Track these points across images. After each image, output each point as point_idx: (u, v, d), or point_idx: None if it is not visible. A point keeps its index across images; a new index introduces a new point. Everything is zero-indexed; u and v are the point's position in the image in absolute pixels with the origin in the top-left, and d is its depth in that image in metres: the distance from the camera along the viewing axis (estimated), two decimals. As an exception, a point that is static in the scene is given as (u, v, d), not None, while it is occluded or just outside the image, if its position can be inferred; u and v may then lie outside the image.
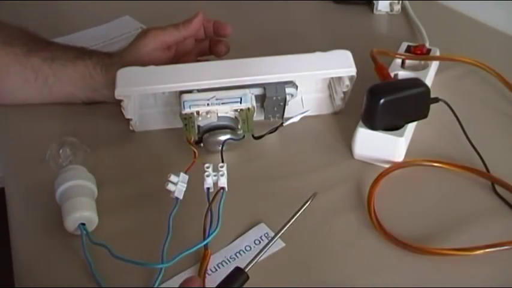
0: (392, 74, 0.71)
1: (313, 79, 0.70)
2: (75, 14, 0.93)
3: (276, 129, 0.65)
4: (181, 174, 0.56)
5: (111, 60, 0.71)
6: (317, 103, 0.71)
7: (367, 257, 0.55)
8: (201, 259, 0.54)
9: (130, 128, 0.69)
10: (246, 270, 0.48)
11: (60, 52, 0.71)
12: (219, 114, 0.64)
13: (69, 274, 0.53)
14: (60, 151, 0.61)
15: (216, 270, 0.53)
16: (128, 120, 0.67)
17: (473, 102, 0.73)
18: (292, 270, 0.53)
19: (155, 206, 0.59)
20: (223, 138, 0.63)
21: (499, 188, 0.61)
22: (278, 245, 0.55)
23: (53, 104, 0.72)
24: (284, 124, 0.65)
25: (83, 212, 0.56)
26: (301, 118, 0.64)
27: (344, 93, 0.68)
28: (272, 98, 0.66)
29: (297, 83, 0.67)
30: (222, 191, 0.56)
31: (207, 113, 0.64)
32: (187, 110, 0.64)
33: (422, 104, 0.64)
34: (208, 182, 0.56)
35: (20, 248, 0.58)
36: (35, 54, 0.70)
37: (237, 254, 0.55)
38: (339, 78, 0.68)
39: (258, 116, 0.67)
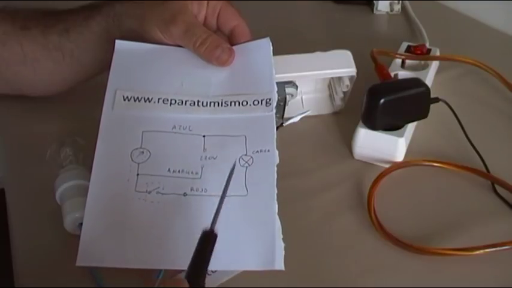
0: (392, 74, 0.71)
1: (313, 79, 0.70)
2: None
3: (276, 129, 0.64)
4: (182, 174, 0.56)
5: (123, 8, 0.63)
6: (317, 103, 0.71)
7: (367, 257, 0.55)
8: (201, 259, 0.54)
9: (130, 128, 0.68)
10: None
11: (71, 20, 0.65)
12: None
13: (69, 274, 0.53)
14: (60, 151, 0.61)
15: (216, 270, 0.53)
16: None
17: (473, 102, 0.73)
18: (292, 270, 0.53)
19: (155, 206, 0.58)
20: (223, 138, 0.63)
21: (499, 188, 0.61)
22: (278, 245, 0.55)
23: (53, 104, 0.72)
24: (284, 124, 0.64)
25: (82, 212, 0.56)
26: (301, 118, 0.64)
27: (344, 93, 0.68)
28: (272, 98, 0.66)
29: (297, 83, 0.67)
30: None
31: (208, 112, 0.64)
32: (187, 110, 0.63)
33: (422, 104, 0.64)
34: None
35: (20, 248, 0.58)
36: (51, 31, 0.64)
37: (237, 254, 0.55)
38: (339, 78, 0.68)
39: (258, 116, 0.67)
